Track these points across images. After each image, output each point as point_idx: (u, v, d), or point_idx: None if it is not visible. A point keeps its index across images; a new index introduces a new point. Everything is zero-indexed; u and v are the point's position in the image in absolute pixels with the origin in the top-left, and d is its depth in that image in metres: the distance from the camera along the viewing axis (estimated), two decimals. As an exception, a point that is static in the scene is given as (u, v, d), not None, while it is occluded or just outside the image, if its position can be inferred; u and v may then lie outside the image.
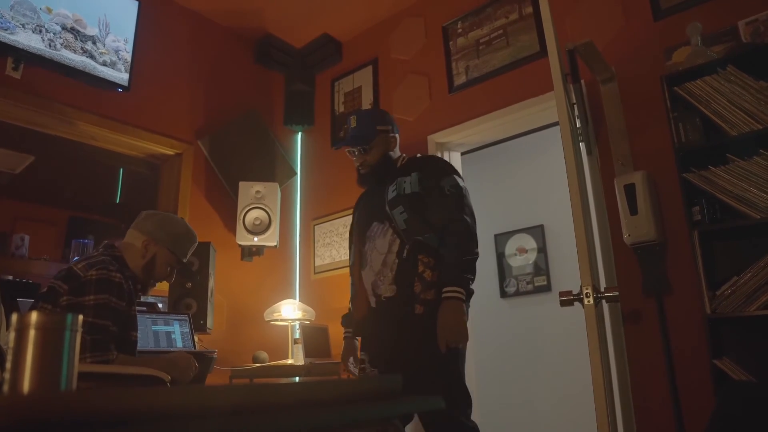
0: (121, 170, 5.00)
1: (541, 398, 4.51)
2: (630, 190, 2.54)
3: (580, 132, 2.90)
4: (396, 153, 2.36)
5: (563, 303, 2.01)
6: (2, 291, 2.41)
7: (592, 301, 1.92)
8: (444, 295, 2.02)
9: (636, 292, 2.61)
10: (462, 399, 2.05)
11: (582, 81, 2.94)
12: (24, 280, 2.70)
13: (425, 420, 2.09)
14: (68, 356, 0.72)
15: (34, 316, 0.70)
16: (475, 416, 2.18)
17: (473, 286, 2.10)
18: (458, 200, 2.15)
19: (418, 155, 2.42)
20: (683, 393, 2.39)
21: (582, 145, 2.91)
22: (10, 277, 2.67)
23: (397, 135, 2.37)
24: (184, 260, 2.10)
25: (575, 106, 2.81)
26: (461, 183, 2.22)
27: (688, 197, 2.32)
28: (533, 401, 4.56)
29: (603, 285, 2.70)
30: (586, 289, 1.93)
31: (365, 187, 2.40)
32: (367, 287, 2.22)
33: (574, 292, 1.97)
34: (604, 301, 2.01)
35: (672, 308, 2.50)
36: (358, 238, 2.31)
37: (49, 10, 3.07)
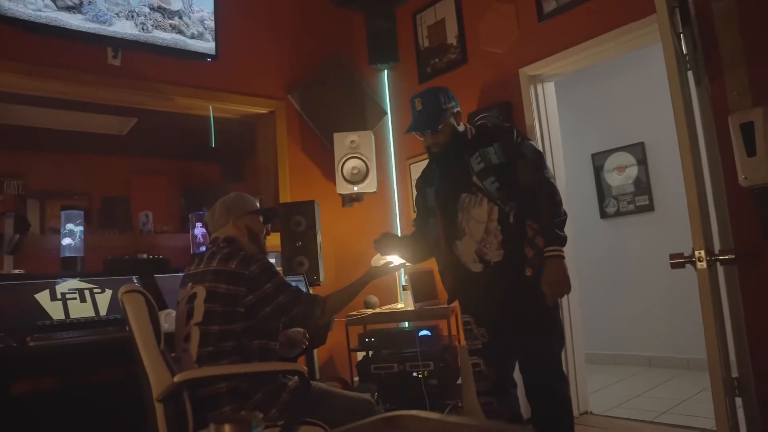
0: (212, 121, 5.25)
1: (645, 326, 4.53)
2: (747, 130, 2.37)
3: (688, 59, 2.69)
4: (461, 126, 2.41)
5: (674, 266, 1.99)
6: (146, 281, 2.72)
7: (705, 265, 1.89)
8: (546, 254, 2.20)
9: (753, 233, 2.51)
10: (559, 343, 2.34)
11: None
12: (156, 257, 2.99)
13: (525, 365, 2.33)
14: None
15: (228, 429, 0.85)
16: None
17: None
18: (540, 164, 2.30)
19: (488, 124, 2.48)
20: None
21: (689, 74, 2.71)
22: (145, 256, 2.97)
23: (459, 109, 2.42)
24: (259, 207, 2.28)
25: (681, 34, 2.60)
26: (538, 148, 2.38)
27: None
28: (640, 325, 4.59)
29: (715, 228, 2.62)
30: (699, 252, 1.90)
31: (439, 164, 2.43)
32: (467, 255, 2.33)
33: (686, 254, 1.95)
34: (718, 263, 1.98)
35: (793, 250, 2.40)
36: (445, 211, 2.38)
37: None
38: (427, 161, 2.57)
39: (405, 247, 2.55)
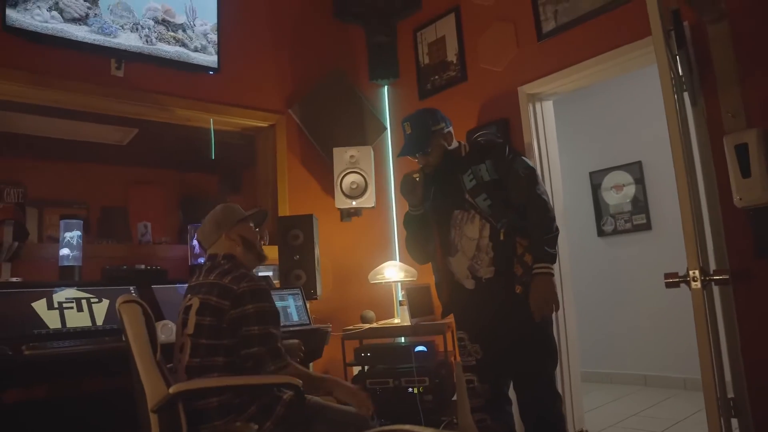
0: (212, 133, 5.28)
1: (642, 342, 4.53)
2: (742, 151, 2.40)
3: (684, 81, 2.72)
4: (454, 144, 2.45)
5: (669, 285, 2.00)
6: (143, 293, 2.72)
7: (699, 285, 1.90)
8: (535, 271, 2.22)
9: (748, 253, 2.53)
10: (552, 361, 2.34)
11: (685, 23, 2.73)
12: (154, 267, 3.00)
13: (518, 383, 2.35)
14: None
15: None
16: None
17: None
18: (532, 180, 2.31)
19: (480, 139, 2.49)
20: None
21: (686, 95, 2.75)
22: (143, 266, 2.97)
23: (450, 129, 2.46)
24: (248, 214, 2.24)
25: (677, 56, 2.63)
26: (530, 164, 2.38)
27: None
28: (636, 344, 4.59)
29: (711, 248, 2.64)
30: (694, 272, 1.91)
31: (433, 183, 2.46)
32: (460, 271, 2.38)
33: (680, 274, 1.96)
34: (713, 283, 1.99)
35: (787, 271, 2.42)
36: (439, 227, 2.42)
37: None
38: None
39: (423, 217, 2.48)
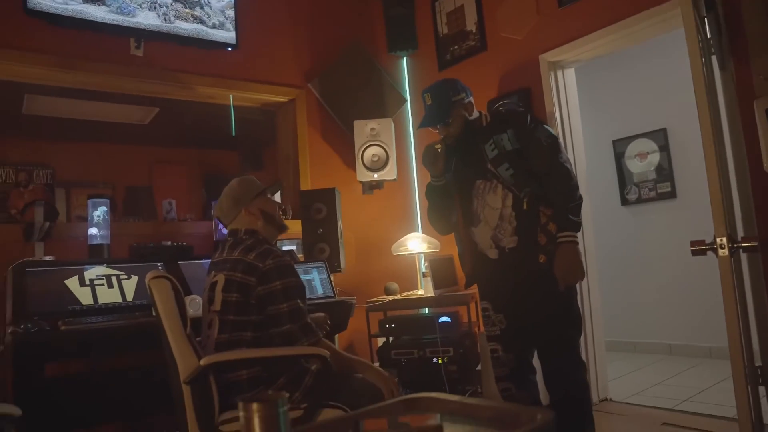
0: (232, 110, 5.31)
1: (666, 312, 4.50)
2: (772, 115, 2.34)
3: (712, 44, 2.65)
4: (474, 114, 2.43)
5: (695, 253, 1.98)
6: (171, 269, 2.77)
7: (727, 253, 1.88)
8: (559, 240, 2.22)
9: (777, 219, 2.48)
10: (576, 331, 2.34)
11: (714, -18, 2.65)
12: (180, 244, 3.05)
13: (543, 352, 2.36)
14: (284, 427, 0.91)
15: (256, 407, 0.89)
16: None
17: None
18: (555, 148, 2.28)
19: (501, 109, 2.47)
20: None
21: (714, 59, 2.68)
22: (169, 243, 3.03)
23: (471, 99, 2.43)
24: (266, 188, 2.22)
25: (705, 18, 2.56)
26: (553, 132, 2.34)
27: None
28: (660, 313, 4.57)
29: (738, 215, 2.60)
30: (721, 239, 1.89)
31: (455, 154, 2.44)
32: (483, 241, 2.37)
33: (707, 242, 1.94)
34: (741, 251, 1.96)
35: (818, 237, 2.37)
36: (462, 197, 2.41)
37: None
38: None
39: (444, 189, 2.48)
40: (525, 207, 2.24)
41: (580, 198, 2.26)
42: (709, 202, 1.88)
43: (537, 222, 2.25)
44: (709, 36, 2.59)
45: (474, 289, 3.49)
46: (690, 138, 4.23)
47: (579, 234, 2.28)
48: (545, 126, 2.37)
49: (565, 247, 2.20)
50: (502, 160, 2.28)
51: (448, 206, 2.50)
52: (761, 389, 2.49)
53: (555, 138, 2.32)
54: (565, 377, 2.28)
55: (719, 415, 2.93)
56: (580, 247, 2.34)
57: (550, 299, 2.26)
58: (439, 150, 2.40)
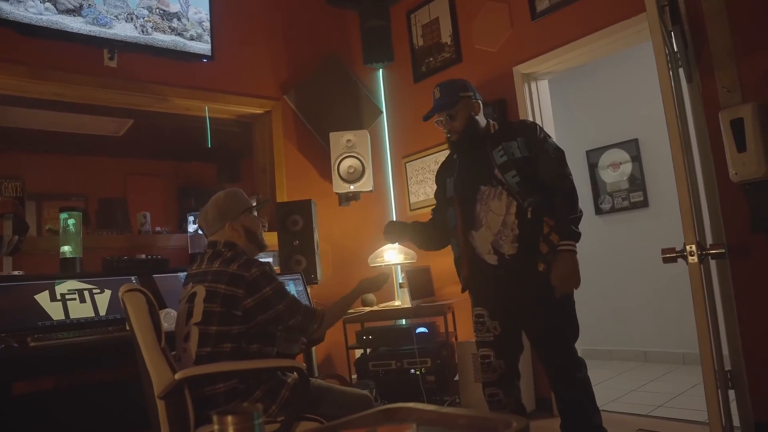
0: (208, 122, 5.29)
1: (638, 320, 4.57)
2: (737, 126, 2.41)
3: (679, 57, 2.72)
4: (482, 119, 2.45)
5: (666, 260, 2.02)
6: (146, 282, 2.74)
7: (696, 260, 1.92)
8: (560, 248, 2.24)
9: (744, 227, 2.55)
10: (573, 335, 2.37)
11: (680, -4, 2.72)
12: (155, 257, 3.01)
13: (540, 349, 2.38)
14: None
15: (230, 420, 0.88)
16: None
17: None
18: (561, 161, 2.33)
19: (511, 120, 2.47)
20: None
21: (681, 71, 2.75)
22: (143, 256, 2.99)
23: (480, 101, 2.45)
24: (254, 204, 2.25)
25: (672, 32, 2.63)
26: (559, 146, 2.39)
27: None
28: (635, 320, 4.63)
29: (707, 223, 2.66)
30: (690, 246, 1.93)
31: (459, 153, 2.47)
32: (482, 246, 2.37)
33: (677, 249, 1.98)
34: (710, 258, 2.01)
35: (784, 244, 2.44)
36: (462, 201, 2.41)
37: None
38: (446, 154, 2.61)
39: (415, 233, 2.60)
40: (529, 216, 2.27)
41: (581, 212, 2.31)
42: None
43: (539, 231, 2.27)
44: (676, 50, 2.66)
45: (450, 299, 3.53)
46: (661, 148, 4.32)
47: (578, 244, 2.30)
48: (552, 140, 2.42)
49: (564, 255, 2.22)
50: (510, 166, 2.30)
51: (437, 236, 2.57)
52: (731, 393, 2.55)
53: (562, 152, 2.37)
54: (567, 374, 2.32)
55: (692, 419, 2.98)
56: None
57: (548, 307, 2.28)
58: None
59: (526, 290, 2.30)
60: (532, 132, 2.37)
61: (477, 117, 2.42)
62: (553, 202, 2.27)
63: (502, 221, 2.30)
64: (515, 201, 2.28)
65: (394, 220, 2.55)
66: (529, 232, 2.27)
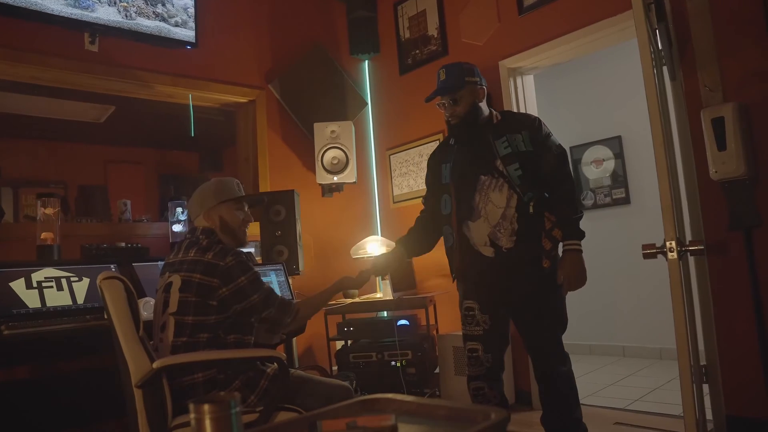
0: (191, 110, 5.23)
1: (622, 314, 4.62)
2: (718, 125, 2.44)
3: (663, 55, 2.74)
4: (485, 106, 2.40)
5: (646, 256, 2.04)
6: (125, 271, 2.70)
7: (676, 256, 1.94)
8: (566, 247, 2.28)
9: (721, 224, 2.58)
10: (562, 329, 2.41)
11: (666, -4, 2.74)
12: (135, 245, 2.97)
13: (529, 341, 2.40)
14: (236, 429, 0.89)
15: (207, 408, 0.87)
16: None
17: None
18: (563, 159, 2.34)
19: (514, 111, 2.46)
20: (770, 325, 2.43)
21: (665, 69, 2.77)
22: (123, 244, 2.95)
23: (485, 88, 2.40)
24: (242, 194, 2.18)
25: (656, 30, 2.65)
26: (561, 144, 2.39)
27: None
28: (615, 316, 4.68)
29: (687, 220, 2.69)
30: (670, 243, 1.95)
31: (458, 139, 2.42)
32: (478, 237, 2.31)
33: (657, 245, 2.00)
34: (689, 254, 2.03)
35: (761, 242, 2.47)
36: (459, 189, 2.35)
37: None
38: (431, 147, 2.58)
39: (404, 250, 2.52)
40: (531, 210, 2.25)
41: (582, 212, 2.33)
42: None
43: (540, 226, 2.27)
44: (660, 48, 2.68)
45: (432, 291, 3.53)
46: (643, 145, 4.37)
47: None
48: (555, 137, 2.41)
49: (572, 255, 2.25)
50: (513, 159, 2.27)
51: (425, 239, 2.54)
52: (705, 387, 2.59)
53: (564, 150, 2.37)
54: (553, 368, 2.34)
55: (667, 413, 3.03)
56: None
57: (544, 302, 2.31)
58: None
59: (520, 284, 2.29)
60: (537, 127, 2.34)
61: (480, 104, 2.37)
62: (554, 198, 2.28)
63: (501, 214, 2.26)
64: (516, 194, 2.25)
65: (376, 255, 2.49)
66: (527, 227, 2.26)
